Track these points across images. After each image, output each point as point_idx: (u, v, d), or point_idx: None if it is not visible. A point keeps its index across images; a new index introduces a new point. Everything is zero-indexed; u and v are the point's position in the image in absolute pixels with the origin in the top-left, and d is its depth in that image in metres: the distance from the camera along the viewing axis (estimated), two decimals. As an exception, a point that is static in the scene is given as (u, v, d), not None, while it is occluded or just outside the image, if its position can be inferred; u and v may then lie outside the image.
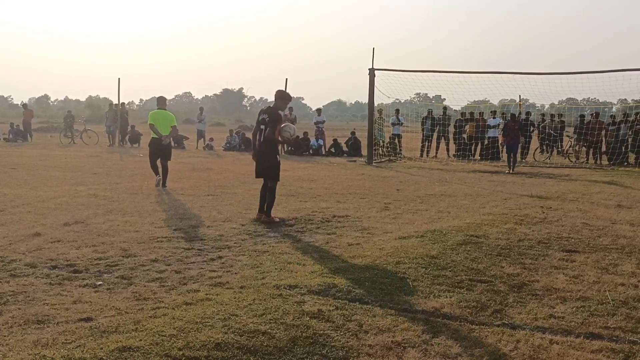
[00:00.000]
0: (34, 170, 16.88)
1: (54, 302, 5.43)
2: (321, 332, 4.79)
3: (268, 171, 9.67)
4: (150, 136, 13.87)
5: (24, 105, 34.21)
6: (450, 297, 5.75)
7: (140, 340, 4.46)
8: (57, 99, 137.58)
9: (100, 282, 6.09)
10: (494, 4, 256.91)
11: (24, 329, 4.74)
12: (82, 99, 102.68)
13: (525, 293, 5.98)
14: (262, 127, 9.56)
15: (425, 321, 5.11)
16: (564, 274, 6.68)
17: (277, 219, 9.63)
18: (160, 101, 14.21)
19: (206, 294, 5.67)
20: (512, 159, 19.45)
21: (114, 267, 6.69)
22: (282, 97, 9.70)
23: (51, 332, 4.67)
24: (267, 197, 9.65)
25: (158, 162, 13.79)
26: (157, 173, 13.76)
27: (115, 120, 29.75)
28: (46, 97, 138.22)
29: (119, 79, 29.69)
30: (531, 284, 6.29)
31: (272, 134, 9.51)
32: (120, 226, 8.94)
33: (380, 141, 25.04)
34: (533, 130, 25.91)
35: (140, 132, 30.47)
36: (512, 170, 18.94)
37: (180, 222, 9.32)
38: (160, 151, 13.71)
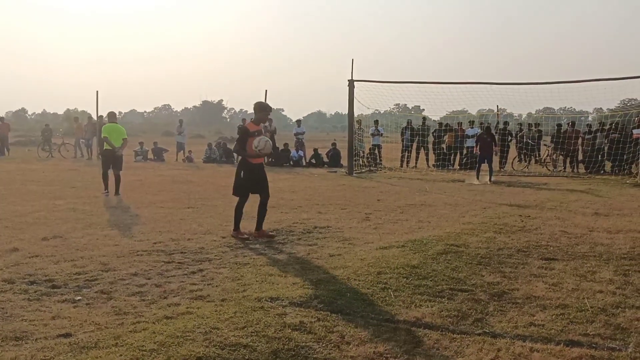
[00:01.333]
0: (12, 184, 16.70)
1: (32, 318, 5.38)
2: (303, 344, 4.78)
3: None
4: (104, 147, 15.24)
5: (1, 118, 33.81)
6: (432, 307, 5.78)
7: (121, 355, 4.43)
8: (34, 113, 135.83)
9: (80, 297, 6.04)
10: (471, 15, 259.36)
11: (2, 345, 4.69)
12: (60, 112, 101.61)
13: (505, 301, 6.02)
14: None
15: (407, 331, 5.12)
16: (543, 281, 6.73)
17: (245, 236, 9.22)
18: (111, 116, 15.50)
19: (187, 308, 5.64)
20: (479, 169, 19.54)
21: (93, 281, 6.64)
22: (260, 108, 9.36)
23: (30, 348, 4.62)
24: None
25: (110, 173, 14.85)
26: (106, 186, 14.79)
27: (94, 133, 29.52)
28: (23, 110, 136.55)
29: (97, 91, 29.34)
30: (511, 292, 6.33)
31: (236, 148, 9.49)
32: (100, 240, 8.87)
33: (361, 152, 25.10)
34: (511, 140, 26.08)
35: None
36: (490, 180, 19.00)
37: (160, 235, 9.28)
38: (113, 161, 14.83)
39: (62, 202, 13.08)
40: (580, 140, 23.56)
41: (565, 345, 4.83)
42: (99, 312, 5.58)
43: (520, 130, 26.98)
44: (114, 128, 14.91)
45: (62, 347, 4.61)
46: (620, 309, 5.79)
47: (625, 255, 8.02)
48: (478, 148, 19.64)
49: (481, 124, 26.16)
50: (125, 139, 15.09)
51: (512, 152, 26.20)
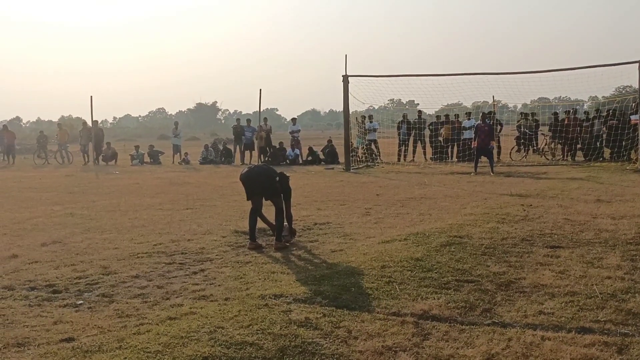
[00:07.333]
0: (9, 192, 16.57)
1: (33, 323, 5.29)
2: (310, 340, 4.71)
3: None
4: None
5: (5, 127, 33.48)
6: (438, 299, 5.70)
7: (125, 358, 4.36)
8: (29, 121, 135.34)
9: (81, 301, 5.96)
10: (462, 6, 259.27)
11: (4, 352, 4.60)
12: (55, 119, 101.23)
13: (513, 291, 5.95)
14: None
15: (414, 324, 5.04)
16: (550, 269, 6.66)
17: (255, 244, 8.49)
18: None
19: (190, 308, 5.56)
20: (477, 162, 19.42)
21: (94, 285, 6.56)
22: None
23: (32, 354, 4.54)
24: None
25: None
26: None
27: (90, 138, 29.45)
28: (18, 119, 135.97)
29: (91, 97, 29.27)
30: (518, 281, 6.26)
31: None
32: (99, 244, 8.78)
33: (359, 147, 25.03)
34: (500, 130, 25.76)
35: (116, 150, 30.25)
36: (492, 171, 18.84)
37: (160, 237, 9.18)
38: None
39: (60, 207, 12.97)
40: (578, 128, 23.49)
41: (577, 333, 4.76)
42: (101, 315, 5.50)
43: (519, 120, 26.77)
44: None
45: (65, 352, 4.53)
46: (630, 294, 5.72)
47: (631, 241, 7.96)
48: (476, 140, 19.49)
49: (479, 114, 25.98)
50: None
51: (508, 142, 26.07)
